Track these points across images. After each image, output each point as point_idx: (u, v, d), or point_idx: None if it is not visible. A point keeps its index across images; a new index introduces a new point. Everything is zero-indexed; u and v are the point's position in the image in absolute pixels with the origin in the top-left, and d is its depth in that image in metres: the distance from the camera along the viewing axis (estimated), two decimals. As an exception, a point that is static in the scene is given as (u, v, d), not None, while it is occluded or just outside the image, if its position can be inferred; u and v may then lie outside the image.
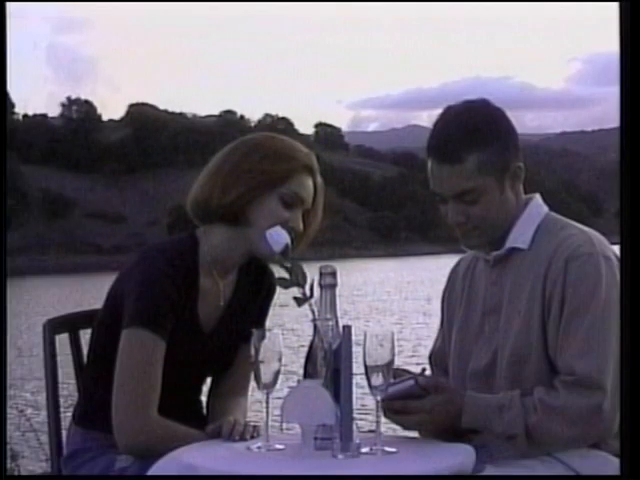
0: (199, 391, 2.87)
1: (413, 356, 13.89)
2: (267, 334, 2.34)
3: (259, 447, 2.32)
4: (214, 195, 2.70)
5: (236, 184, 2.68)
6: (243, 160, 2.71)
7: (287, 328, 16.88)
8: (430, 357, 2.90)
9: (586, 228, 2.61)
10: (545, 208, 2.66)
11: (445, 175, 2.54)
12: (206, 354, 2.75)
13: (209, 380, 2.88)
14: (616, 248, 2.48)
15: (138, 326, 2.59)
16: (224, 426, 2.50)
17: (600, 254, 2.49)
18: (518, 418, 2.44)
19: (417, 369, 2.58)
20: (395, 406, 2.45)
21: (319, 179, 2.78)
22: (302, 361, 2.37)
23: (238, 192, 2.67)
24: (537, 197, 2.67)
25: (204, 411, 2.86)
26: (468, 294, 2.72)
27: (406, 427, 2.54)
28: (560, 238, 2.55)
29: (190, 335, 2.70)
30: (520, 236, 2.59)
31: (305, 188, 2.74)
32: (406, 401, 2.46)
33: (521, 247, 2.59)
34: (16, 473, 5.79)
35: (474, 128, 2.54)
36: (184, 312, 2.67)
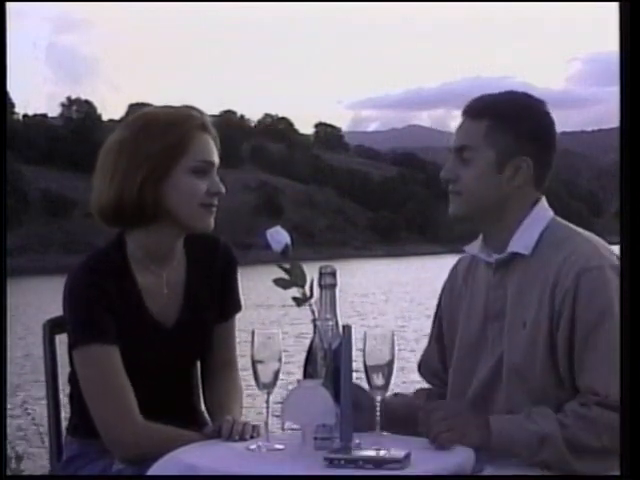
0: (189, 387, 2.80)
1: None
2: (267, 334, 2.34)
3: (259, 447, 2.32)
4: (124, 199, 2.58)
5: (140, 174, 2.56)
6: (137, 146, 2.58)
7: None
8: (419, 366, 2.85)
9: (591, 235, 2.58)
10: (550, 212, 2.63)
11: (461, 126, 2.62)
12: (177, 348, 2.68)
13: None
14: (616, 248, 2.47)
15: (82, 344, 2.56)
16: (223, 426, 2.48)
17: (608, 266, 2.46)
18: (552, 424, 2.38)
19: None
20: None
21: (214, 132, 2.66)
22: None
23: (148, 186, 2.55)
24: (543, 200, 2.64)
25: (200, 406, 2.81)
26: (470, 299, 2.69)
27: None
28: (568, 249, 2.51)
29: (153, 335, 2.64)
30: (523, 241, 2.56)
31: (209, 149, 2.63)
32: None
33: (523, 253, 2.56)
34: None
35: (504, 101, 2.62)
36: (132, 314, 2.61)
